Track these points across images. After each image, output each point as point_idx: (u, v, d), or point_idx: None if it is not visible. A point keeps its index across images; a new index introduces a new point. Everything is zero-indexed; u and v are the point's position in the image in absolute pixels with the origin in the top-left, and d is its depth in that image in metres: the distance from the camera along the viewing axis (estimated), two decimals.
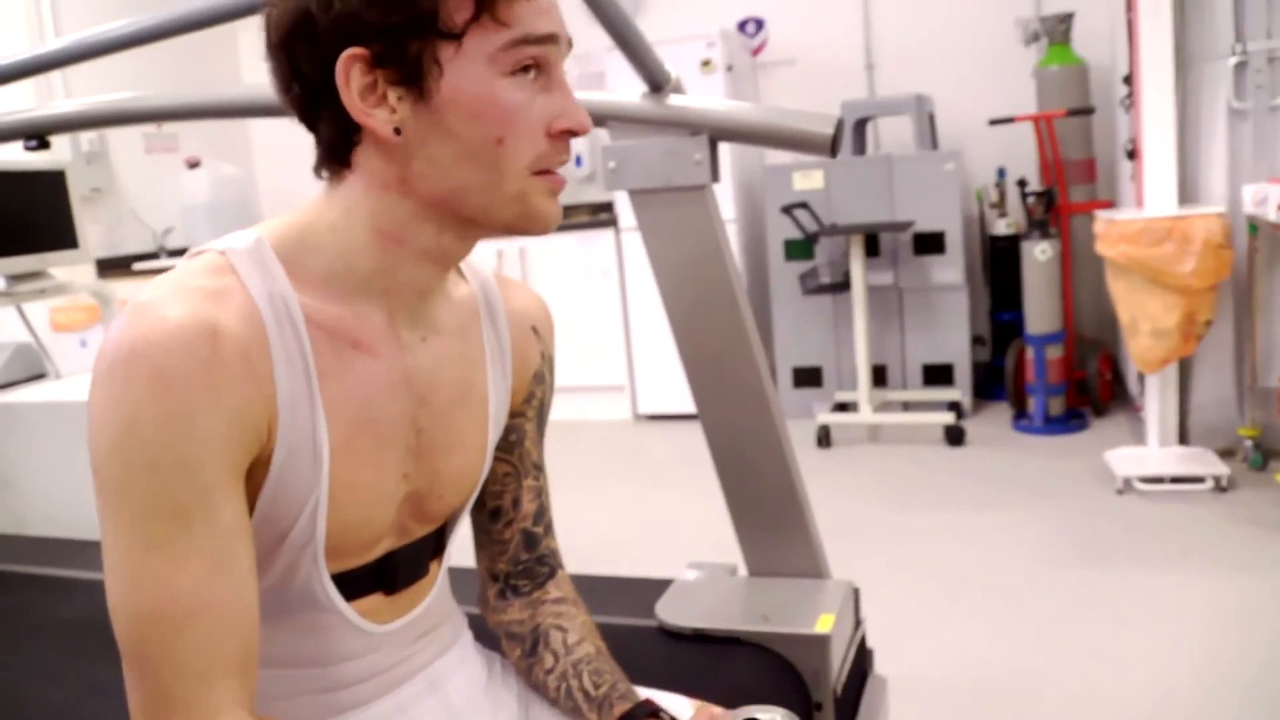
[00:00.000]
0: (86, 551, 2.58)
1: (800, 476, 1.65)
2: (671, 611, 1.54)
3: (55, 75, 4.91)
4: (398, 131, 0.80)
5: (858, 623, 1.64)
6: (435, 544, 1.01)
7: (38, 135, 2.16)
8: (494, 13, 0.79)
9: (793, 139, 1.46)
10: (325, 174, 0.86)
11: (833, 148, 1.45)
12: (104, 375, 0.74)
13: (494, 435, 1.02)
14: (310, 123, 0.84)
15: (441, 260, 0.88)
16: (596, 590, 1.35)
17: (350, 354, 0.85)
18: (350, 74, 0.78)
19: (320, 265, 0.84)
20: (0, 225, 3.30)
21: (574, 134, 0.85)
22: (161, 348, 0.73)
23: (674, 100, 1.49)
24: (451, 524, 1.03)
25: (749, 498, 1.66)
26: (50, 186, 3.55)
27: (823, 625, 1.45)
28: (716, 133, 1.48)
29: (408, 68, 0.79)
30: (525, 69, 0.81)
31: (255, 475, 0.80)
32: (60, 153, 4.96)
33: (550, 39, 0.82)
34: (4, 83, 2.07)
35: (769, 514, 1.65)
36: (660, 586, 1.65)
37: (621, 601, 1.61)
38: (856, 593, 1.64)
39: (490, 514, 1.10)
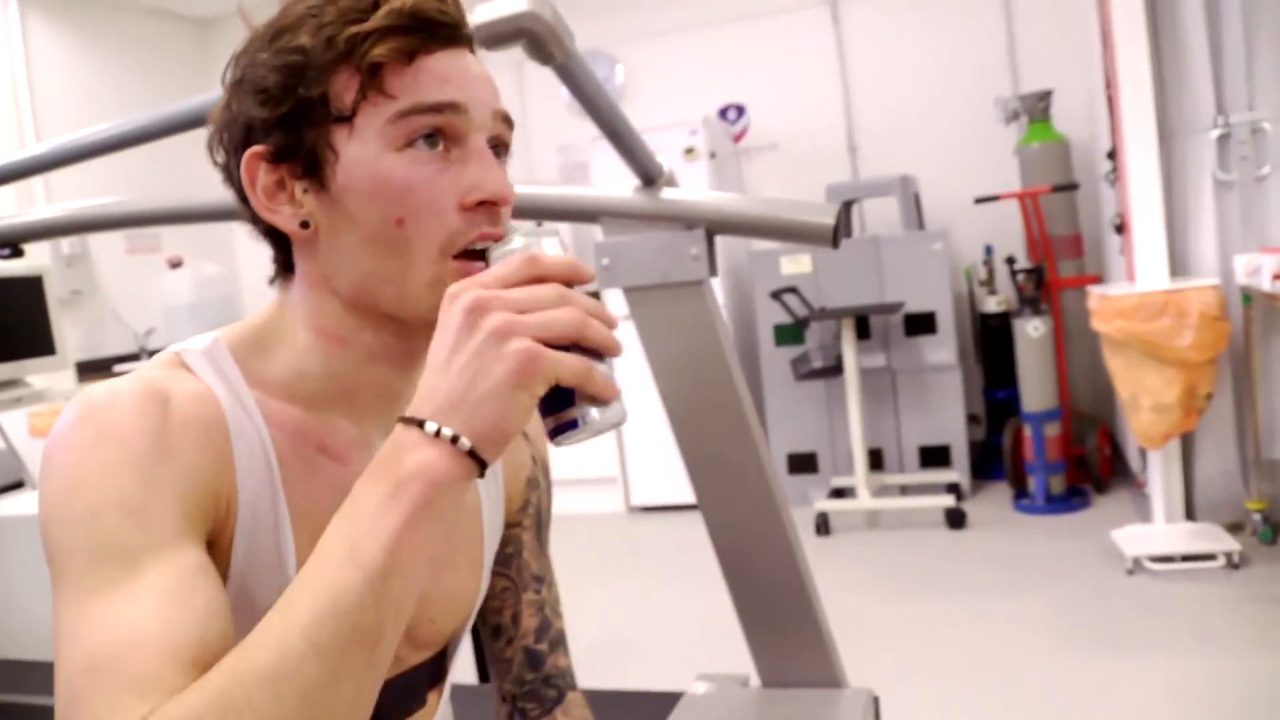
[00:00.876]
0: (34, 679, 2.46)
1: (812, 578, 1.57)
2: None
3: (35, 178, 4.89)
4: (305, 225, 0.78)
5: None
6: (433, 672, 0.92)
7: (11, 244, 2.10)
8: (381, 86, 0.74)
9: (793, 230, 1.41)
10: (277, 281, 0.84)
11: (834, 238, 1.40)
12: (49, 451, 0.70)
13: (490, 549, 0.96)
14: (258, 230, 0.82)
15: (393, 360, 0.81)
16: (599, 707, 1.27)
17: (318, 460, 0.79)
18: (256, 173, 0.77)
19: (277, 370, 0.80)
20: None
21: (493, 205, 0.77)
22: (109, 410, 0.70)
23: (668, 193, 1.45)
24: (451, 650, 0.95)
25: (759, 603, 1.57)
26: (27, 292, 3.50)
27: None
28: (713, 226, 1.43)
29: (306, 158, 0.76)
30: (428, 139, 0.75)
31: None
32: (40, 256, 4.91)
33: (451, 107, 0.75)
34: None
35: (780, 620, 1.57)
36: (668, 701, 1.55)
37: (628, 716, 1.52)
38: (876, 702, 1.55)
39: (491, 631, 1.04)
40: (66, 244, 5.24)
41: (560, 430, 0.69)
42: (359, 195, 0.75)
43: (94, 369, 5.16)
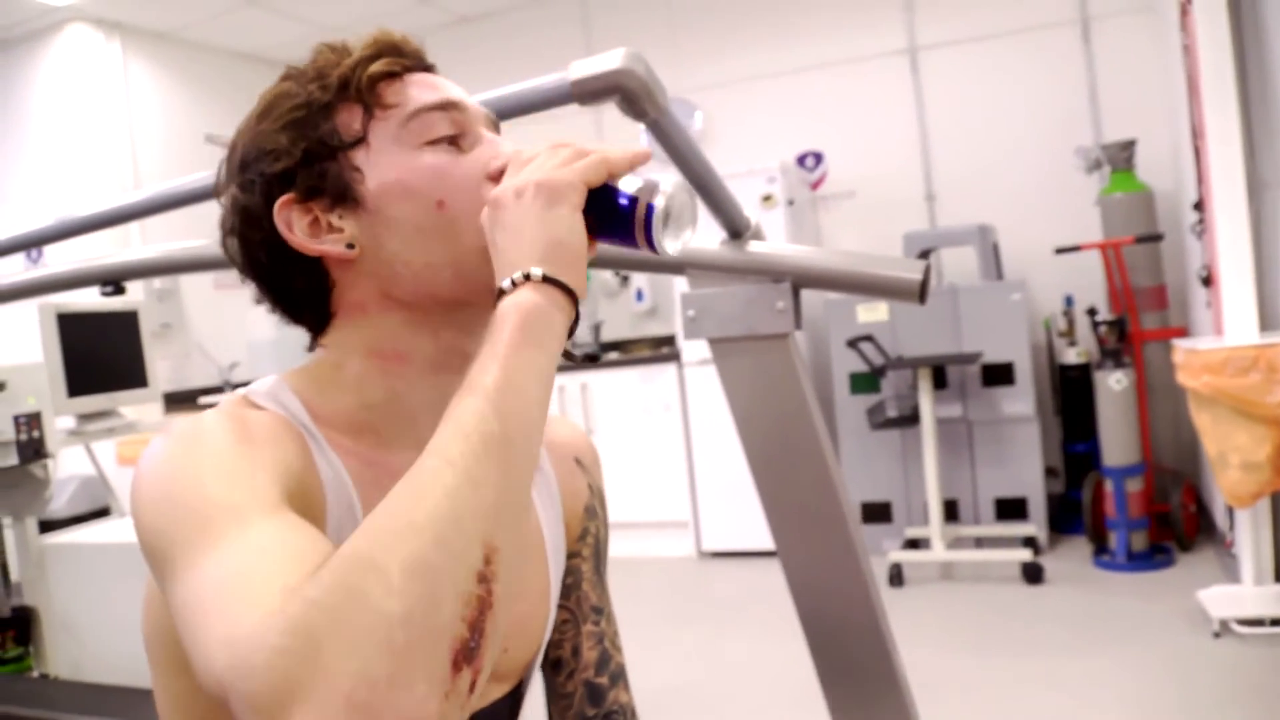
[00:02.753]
0: (141, 701, 2.52)
1: (891, 633, 1.55)
2: None
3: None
4: (351, 246, 0.81)
5: None
6: (511, 705, 0.94)
7: (114, 281, 2.18)
8: (381, 103, 0.82)
9: (881, 286, 1.41)
10: (313, 333, 0.88)
11: (922, 295, 1.40)
12: (141, 470, 0.73)
13: (556, 576, 0.98)
14: (286, 300, 0.86)
15: (456, 368, 0.80)
16: None
17: (392, 483, 0.80)
18: (290, 220, 0.81)
19: (338, 404, 0.84)
20: (74, 365, 3.34)
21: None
22: (195, 426, 0.74)
23: (754, 246, 1.46)
24: (525, 682, 0.96)
25: (837, 656, 1.56)
26: (123, 326, 3.62)
27: None
28: (800, 280, 1.44)
29: (334, 188, 0.81)
30: (443, 140, 0.83)
31: None
32: (134, 291, 5.08)
33: (451, 105, 0.83)
34: (90, 231, 2.11)
35: (859, 674, 1.55)
36: None
37: None
38: None
39: (551, 666, 1.04)
40: (159, 280, 5.41)
41: (648, 225, 0.76)
42: (395, 196, 0.81)
43: (180, 400, 5.31)
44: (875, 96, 5.34)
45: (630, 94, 1.30)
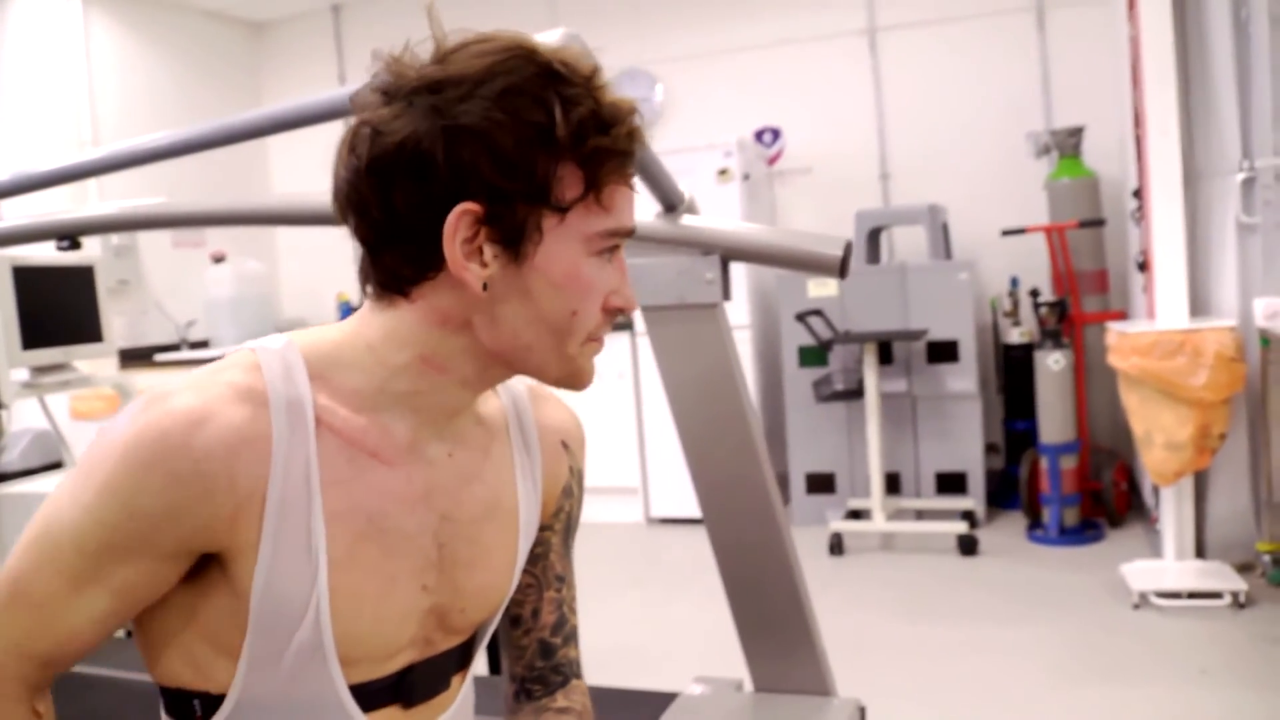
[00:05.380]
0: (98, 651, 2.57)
1: (807, 593, 1.65)
2: None
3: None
4: (485, 288, 0.83)
5: None
6: (460, 658, 1.00)
7: (70, 236, 2.22)
8: (599, 196, 0.83)
9: (802, 260, 1.49)
10: (372, 294, 0.88)
11: (842, 270, 1.48)
12: (100, 443, 0.81)
13: (524, 549, 1.03)
14: (376, 248, 0.85)
15: (480, 387, 0.92)
16: (601, 702, 1.35)
17: (366, 463, 0.86)
18: (458, 225, 0.80)
19: (354, 382, 0.86)
20: (28, 319, 3.36)
21: (623, 312, 0.90)
22: (152, 441, 0.79)
23: (687, 220, 1.53)
24: (479, 638, 1.03)
25: (755, 612, 1.65)
26: (79, 281, 3.63)
27: None
28: (728, 253, 1.52)
29: (511, 230, 0.81)
30: (607, 251, 0.87)
31: (239, 564, 0.82)
32: (91, 247, 5.07)
33: (630, 231, 0.88)
34: (48, 187, 2.15)
35: (775, 629, 1.65)
36: (665, 700, 1.63)
37: (625, 715, 1.60)
38: (863, 712, 1.63)
39: (510, 620, 1.10)
40: (116, 236, 5.40)
41: None
42: (550, 283, 0.84)
43: (136, 357, 5.32)
44: (834, 75, 5.42)
45: None
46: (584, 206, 0.83)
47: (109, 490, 0.79)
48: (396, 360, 0.86)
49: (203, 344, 5.72)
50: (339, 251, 6.40)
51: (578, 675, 1.13)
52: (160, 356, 5.43)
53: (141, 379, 4.91)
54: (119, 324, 5.28)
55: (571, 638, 1.13)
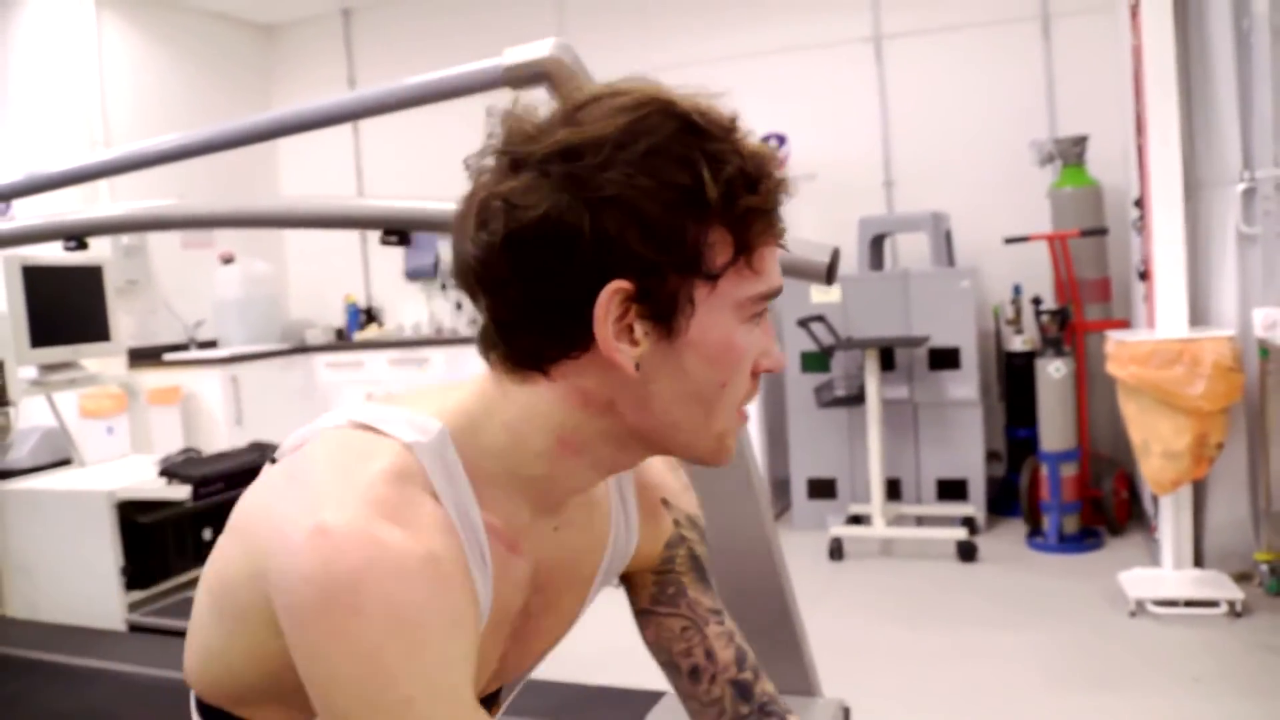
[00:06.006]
0: (95, 640, 2.62)
1: (794, 595, 1.67)
2: None
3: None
4: (637, 367, 0.77)
5: None
6: (492, 699, 0.98)
7: (77, 237, 2.26)
8: (749, 259, 0.78)
9: (792, 267, 1.52)
10: (501, 367, 0.81)
11: (828, 276, 1.51)
12: (323, 609, 0.68)
13: (591, 597, 1.00)
14: (513, 326, 0.78)
15: (611, 470, 0.87)
16: (590, 701, 1.38)
17: (507, 557, 0.84)
18: (610, 305, 0.74)
19: (492, 464, 0.81)
20: (37, 318, 3.42)
21: (771, 373, 0.85)
22: (391, 576, 0.69)
23: None
24: (506, 690, 1.01)
25: (742, 614, 1.67)
26: (88, 281, 3.69)
27: None
28: None
29: (663, 305, 0.75)
30: (757, 316, 0.81)
31: None
32: (100, 246, 5.13)
33: (780, 293, 0.82)
34: (60, 188, 2.19)
35: (761, 630, 1.66)
36: (653, 698, 1.66)
37: (613, 713, 1.63)
38: (847, 713, 1.65)
39: (689, 676, 1.03)
40: (126, 237, 5.45)
41: None
42: (703, 356, 0.78)
43: (145, 356, 5.37)
44: (840, 82, 5.44)
45: (558, 80, 1.40)
46: (735, 271, 0.77)
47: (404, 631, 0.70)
48: (534, 444, 0.80)
49: (211, 344, 5.77)
50: (347, 253, 6.47)
51: (789, 711, 1.05)
52: (169, 356, 5.48)
53: (150, 378, 4.97)
54: (128, 323, 5.34)
55: (760, 670, 1.05)
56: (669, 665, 1.05)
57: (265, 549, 0.74)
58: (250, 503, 0.84)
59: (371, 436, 0.78)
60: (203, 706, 0.89)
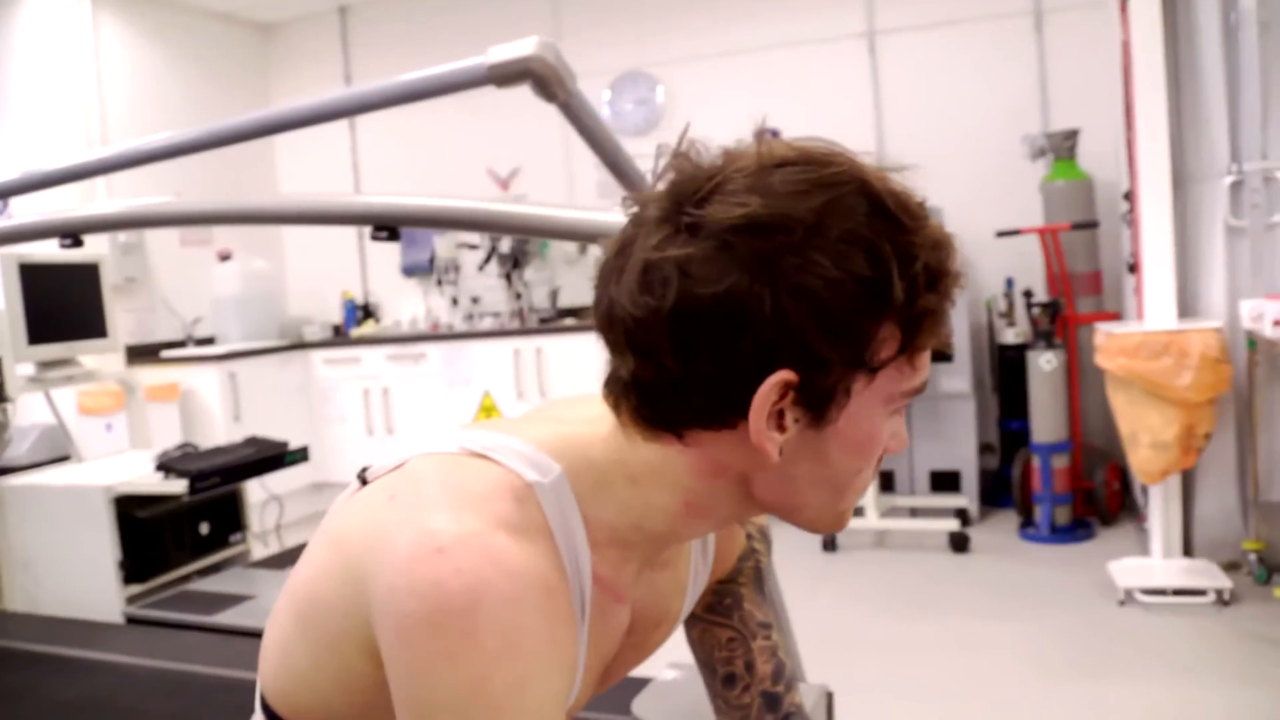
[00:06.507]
0: (94, 633, 2.66)
1: (777, 582, 1.70)
2: (648, 709, 1.59)
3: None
4: (781, 453, 0.75)
5: None
6: None
7: (73, 234, 2.29)
8: (911, 357, 0.75)
9: None
10: (629, 420, 0.78)
11: None
12: (434, 629, 0.67)
13: (667, 634, 0.99)
14: (657, 391, 0.75)
15: (726, 525, 0.88)
16: None
17: (610, 607, 0.84)
18: (770, 394, 0.72)
19: (611, 517, 0.79)
20: (34, 315, 3.45)
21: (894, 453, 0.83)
22: (508, 603, 0.67)
23: None
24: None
25: None
26: (85, 278, 3.72)
27: None
28: None
29: (819, 394, 0.73)
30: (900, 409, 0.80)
31: None
32: (97, 244, 5.16)
33: (926, 384, 0.80)
34: (57, 185, 2.22)
35: None
36: (639, 685, 1.69)
37: (600, 699, 1.66)
38: (830, 697, 1.68)
39: (724, 681, 1.05)
40: (123, 234, 5.48)
41: None
42: (847, 446, 0.76)
43: (143, 353, 5.40)
44: (833, 77, 5.47)
45: (541, 78, 1.43)
46: (895, 367, 0.74)
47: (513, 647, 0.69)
48: (659, 501, 0.79)
49: (209, 340, 5.80)
50: (344, 250, 6.50)
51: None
52: (167, 353, 5.50)
53: (148, 375, 5.01)
54: (126, 320, 5.37)
55: (793, 683, 1.07)
56: (706, 666, 1.07)
57: (369, 570, 0.72)
58: (349, 522, 0.80)
59: (488, 466, 0.76)
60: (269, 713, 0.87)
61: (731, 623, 1.04)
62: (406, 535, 0.70)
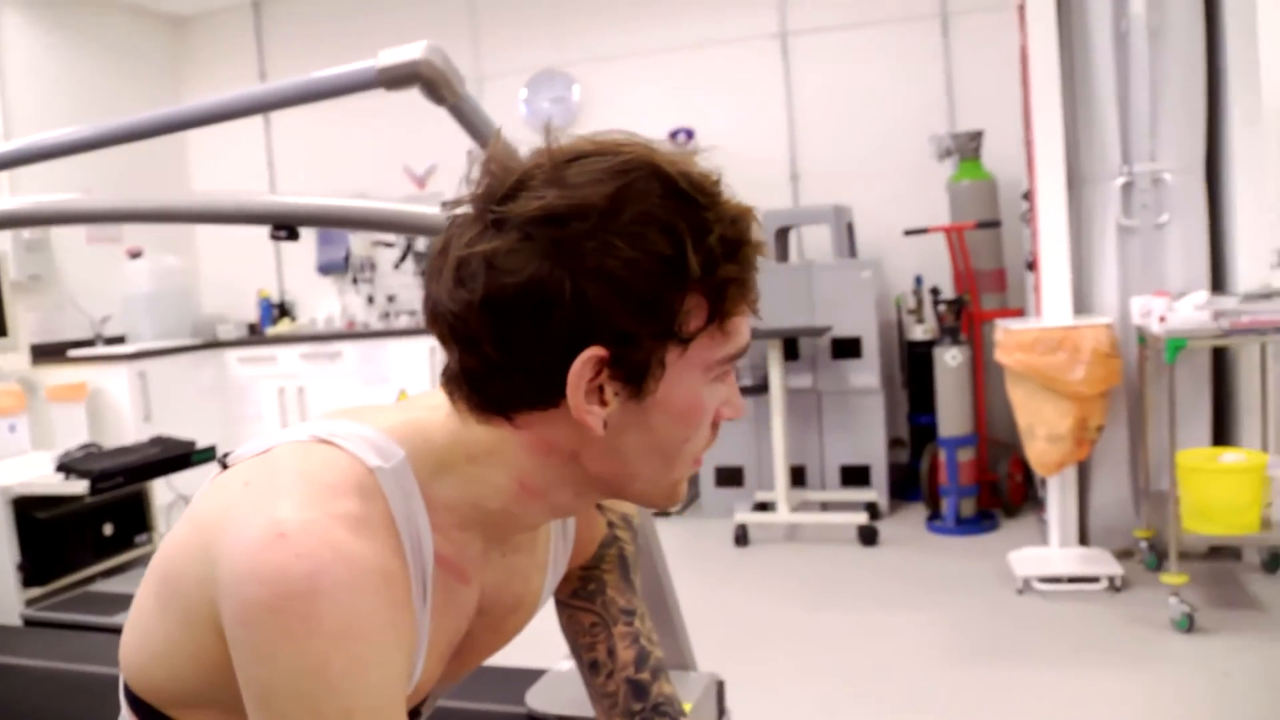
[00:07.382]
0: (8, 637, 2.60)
1: (667, 572, 1.74)
2: (541, 700, 1.62)
3: None
4: (605, 426, 0.79)
5: (721, 713, 1.72)
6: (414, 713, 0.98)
7: None
8: (722, 324, 0.79)
9: None
10: (463, 407, 0.82)
11: None
12: (274, 612, 0.69)
13: (526, 621, 1.01)
14: (483, 377, 0.79)
15: (567, 512, 0.90)
16: (473, 679, 1.43)
17: (454, 587, 0.86)
18: (583, 371, 0.76)
19: (451, 497, 0.83)
20: None
21: (730, 420, 0.86)
22: (347, 588, 0.70)
23: None
24: (426, 706, 1.02)
25: None
26: None
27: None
28: None
29: (635, 369, 0.77)
30: (724, 375, 0.83)
31: None
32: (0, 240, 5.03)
33: (748, 348, 0.83)
34: None
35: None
36: (534, 676, 1.72)
37: (493, 690, 1.68)
38: (721, 685, 1.73)
39: (590, 668, 1.07)
40: (27, 231, 5.35)
41: None
42: (670, 415, 0.80)
43: (49, 353, 5.28)
44: (747, 78, 5.55)
45: (429, 82, 1.46)
46: (707, 335, 0.79)
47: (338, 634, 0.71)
48: (495, 480, 0.83)
49: (119, 339, 5.69)
50: (260, 248, 6.41)
51: (682, 714, 1.08)
52: (74, 352, 5.39)
53: (54, 374, 4.90)
54: (31, 319, 5.25)
55: (660, 671, 1.07)
56: (575, 653, 1.09)
57: (218, 553, 0.74)
58: (208, 505, 0.82)
59: (335, 452, 0.79)
60: (137, 703, 0.88)
61: (593, 607, 1.07)
62: (253, 521, 0.72)
